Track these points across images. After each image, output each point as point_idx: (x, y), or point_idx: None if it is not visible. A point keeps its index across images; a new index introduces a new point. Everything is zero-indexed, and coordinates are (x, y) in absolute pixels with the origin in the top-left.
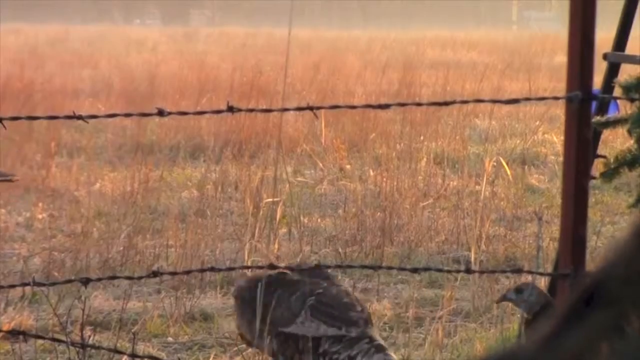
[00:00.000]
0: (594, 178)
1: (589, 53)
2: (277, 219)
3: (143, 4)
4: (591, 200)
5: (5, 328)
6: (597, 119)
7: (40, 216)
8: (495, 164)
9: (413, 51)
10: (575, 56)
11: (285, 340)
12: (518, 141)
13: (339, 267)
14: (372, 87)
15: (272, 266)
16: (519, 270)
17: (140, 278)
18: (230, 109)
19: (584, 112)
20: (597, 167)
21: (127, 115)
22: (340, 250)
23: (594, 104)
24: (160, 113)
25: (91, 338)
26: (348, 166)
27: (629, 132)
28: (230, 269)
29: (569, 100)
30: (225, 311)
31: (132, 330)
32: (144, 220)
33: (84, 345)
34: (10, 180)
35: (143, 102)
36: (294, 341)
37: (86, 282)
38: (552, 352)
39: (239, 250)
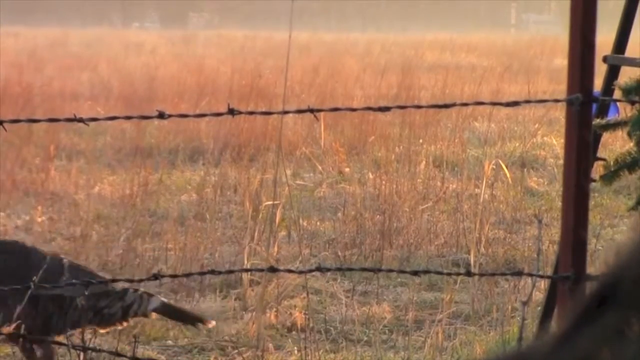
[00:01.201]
0: (594, 181)
1: (590, 55)
2: (277, 222)
3: (142, 7)
4: (591, 203)
5: (5, 331)
6: (597, 121)
7: (39, 219)
8: (494, 166)
9: (412, 54)
10: (576, 58)
11: (37, 304)
12: (517, 144)
13: (339, 269)
14: (371, 90)
15: (272, 269)
16: (518, 273)
17: (139, 281)
18: (231, 111)
19: (585, 114)
20: (597, 170)
21: (128, 117)
22: (339, 253)
23: (594, 107)
24: (161, 115)
25: (92, 341)
26: (347, 169)
27: (629, 134)
28: (230, 271)
29: (569, 102)
30: (224, 314)
31: (133, 334)
32: (143, 223)
33: (84, 348)
34: None
35: (142, 105)
36: (47, 303)
37: (86, 284)
38: (564, 353)
39: (239, 253)
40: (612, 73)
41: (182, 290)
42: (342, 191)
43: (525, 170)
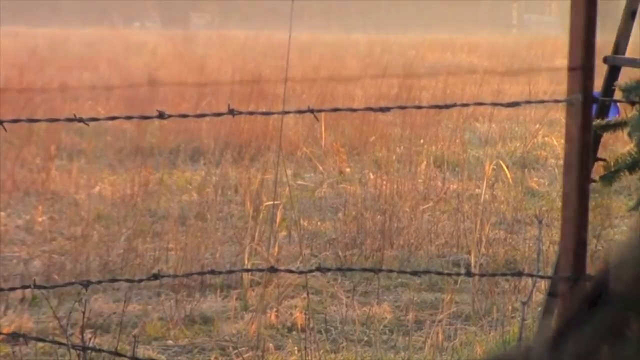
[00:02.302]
0: (594, 181)
1: (590, 56)
2: (277, 222)
3: (143, 7)
4: (591, 203)
5: (5, 331)
6: (597, 122)
7: (40, 219)
8: (495, 167)
9: (412, 55)
10: (576, 59)
11: None
12: (518, 144)
13: (339, 270)
14: (372, 90)
15: (272, 269)
16: (519, 274)
17: (140, 281)
18: (232, 111)
19: (585, 115)
20: (597, 171)
21: (128, 117)
22: (340, 253)
23: (594, 107)
24: (161, 115)
25: (91, 341)
26: (348, 169)
27: (629, 135)
28: (230, 272)
29: (569, 103)
30: (225, 314)
31: (133, 333)
32: (143, 223)
33: (84, 348)
34: None
35: (143, 105)
36: None
37: (87, 284)
38: (559, 353)
39: (239, 254)
40: (613, 74)
41: (182, 290)
42: (342, 191)
43: (526, 170)
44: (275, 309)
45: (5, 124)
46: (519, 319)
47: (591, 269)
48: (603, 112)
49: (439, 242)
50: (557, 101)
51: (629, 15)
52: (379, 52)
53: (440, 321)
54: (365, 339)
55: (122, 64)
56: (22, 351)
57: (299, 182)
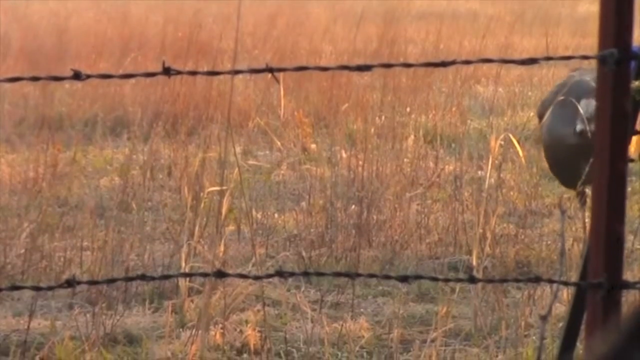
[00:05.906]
0: (632, 161)
1: None
2: (223, 213)
3: None
4: (628, 189)
5: None
6: (637, 84)
7: None
8: (503, 142)
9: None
10: (610, 3)
11: None
12: (532, 114)
13: (304, 274)
14: (344, 44)
15: (217, 273)
16: (535, 279)
17: (49, 289)
18: (167, 70)
19: (621, 75)
20: (637, 147)
21: (35, 79)
22: (304, 253)
23: (633, 65)
24: (76, 76)
25: None
26: (313, 146)
27: None
28: (164, 277)
29: (601, 60)
30: (156, 332)
31: (39, 356)
32: (51, 215)
33: None
34: None
35: (50, 64)
36: None
37: None
38: None
39: (174, 254)
40: None
41: (101, 301)
42: (307, 174)
43: None
44: (221, 325)
45: None
46: (535, 338)
47: (629, 273)
48: None
49: (431, 239)
50: (585, 57)
51: None
52: None
53: (433, 341)
54: None
55: (22, 10)
56: None
57: (251, 162)
